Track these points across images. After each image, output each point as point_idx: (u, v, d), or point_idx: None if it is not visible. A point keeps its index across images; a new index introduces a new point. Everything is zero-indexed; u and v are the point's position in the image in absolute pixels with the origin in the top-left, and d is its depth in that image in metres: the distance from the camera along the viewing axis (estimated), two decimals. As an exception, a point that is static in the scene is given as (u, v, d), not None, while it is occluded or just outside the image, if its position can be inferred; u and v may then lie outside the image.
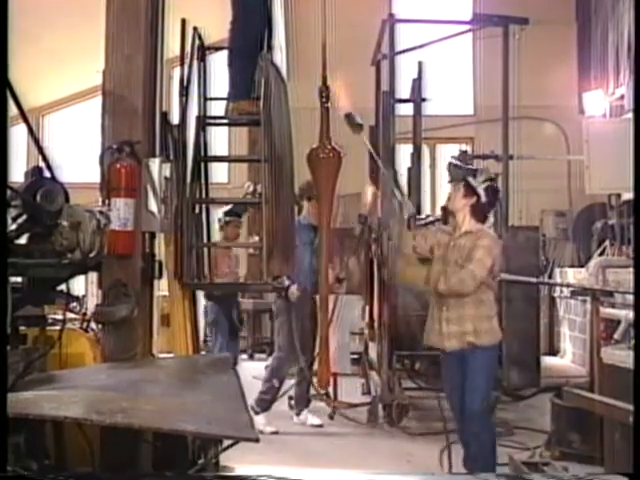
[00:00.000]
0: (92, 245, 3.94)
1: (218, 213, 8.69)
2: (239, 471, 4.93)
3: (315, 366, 6.96)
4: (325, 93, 4.81)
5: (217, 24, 6.39)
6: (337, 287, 8.42)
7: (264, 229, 5.59)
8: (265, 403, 7.81)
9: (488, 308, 5.71)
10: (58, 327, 4.05)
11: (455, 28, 10.87)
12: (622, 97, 12.13)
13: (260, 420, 7.58)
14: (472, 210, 5.74)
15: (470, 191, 5.73)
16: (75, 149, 14.16)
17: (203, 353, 6.81)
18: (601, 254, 11.18)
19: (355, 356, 9.14)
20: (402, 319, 8.21)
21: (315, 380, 7.02)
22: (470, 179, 5.74)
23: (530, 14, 10.16)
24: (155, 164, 4.42)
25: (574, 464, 6.12)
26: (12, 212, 3.62)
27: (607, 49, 13.09)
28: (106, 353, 4.28)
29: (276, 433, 7.56)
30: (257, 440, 2.90)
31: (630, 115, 10.33)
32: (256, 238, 8.51)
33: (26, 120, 4.22)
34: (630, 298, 6.33)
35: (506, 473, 5.66)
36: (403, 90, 9.20)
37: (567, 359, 12.43)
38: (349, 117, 5.12)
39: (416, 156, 9.33)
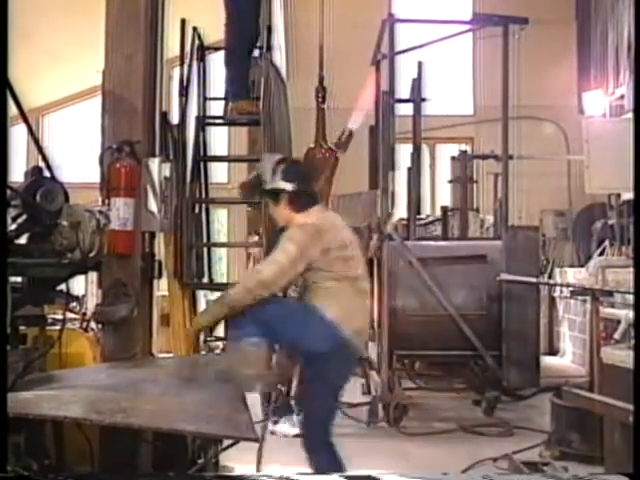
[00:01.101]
0: (92, 245, 3.95)
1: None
2: (239, 471, 4.93)
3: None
4: (322, 93, 4.80)
5: (216, 24, 6.40)
6: None
7: (264, 229, 5.60)
8: (283, 409, 7.54)
9: (331, 296, 4.54)
10: (58, 327, 4.06)
11: (455, 28, 10.84)
12: (622, 97, 12.13)
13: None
14: (291, 206, 4.61)
15: (275, 195, 4.62)
16: (75, 149, 14.16)
17: (203, 353, 6.81)
18: (601, 254, 11.17)
19: (355, 356, 9.13)
20: (402, 319, 8.20)
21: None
22: (266, 186, 4.63)
23: (530, 14, 10.13)
24: (155, 164, 4.43)
25: (574, 464, 6.12)
26: (12, 212, 3.63)
27: (607, 48, 13.09)
28: (106, 353, 4.29)
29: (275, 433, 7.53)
30: (257, 440, 2.90)
31: (630, 115, 10.33)
32: (256, 238, 8.50)
33: (26, 120, 4.23)
34: (630, 298, 6.33)
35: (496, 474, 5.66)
36: (403, 90, 9.19)
37: (567, 359, 12.41)
38: (344, 133, 5.10)
39: (416, 156, 9.31)
